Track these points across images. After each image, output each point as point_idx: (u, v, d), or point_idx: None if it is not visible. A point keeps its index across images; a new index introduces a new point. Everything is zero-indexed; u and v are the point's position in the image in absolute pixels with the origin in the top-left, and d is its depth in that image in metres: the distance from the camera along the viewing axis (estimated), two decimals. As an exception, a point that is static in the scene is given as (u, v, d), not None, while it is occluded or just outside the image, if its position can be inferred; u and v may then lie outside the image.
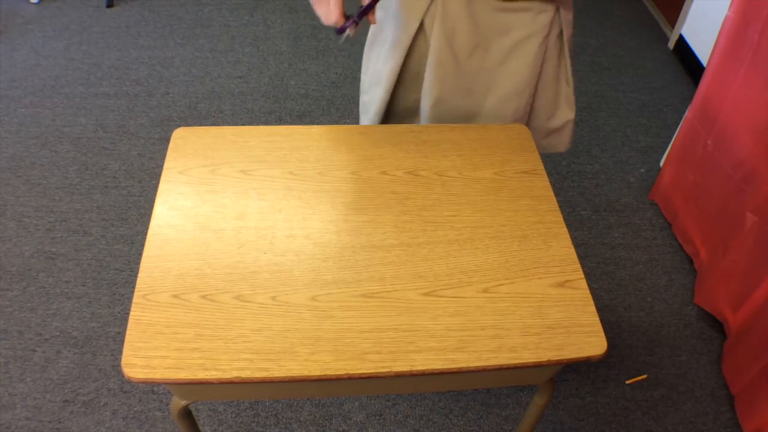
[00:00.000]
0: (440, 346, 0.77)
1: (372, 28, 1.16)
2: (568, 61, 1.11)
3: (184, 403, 0.89)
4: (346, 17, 0.90)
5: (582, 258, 1.80)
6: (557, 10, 1.03)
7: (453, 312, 0.80)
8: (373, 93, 1.16)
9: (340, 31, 0.91)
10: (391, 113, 1.17)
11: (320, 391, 0.96)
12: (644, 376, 1.56)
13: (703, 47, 2.41)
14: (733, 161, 1.56)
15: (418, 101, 1.13)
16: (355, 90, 2.34)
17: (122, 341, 0.76)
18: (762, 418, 1.37)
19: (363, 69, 1.21)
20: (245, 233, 0.88)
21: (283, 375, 0.73)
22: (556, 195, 0.98)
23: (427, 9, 1.02)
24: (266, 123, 2.21)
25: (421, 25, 1.04)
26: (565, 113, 1.16)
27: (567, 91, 1.14)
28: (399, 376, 0.75)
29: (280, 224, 0.90)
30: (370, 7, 0.91)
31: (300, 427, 1.43)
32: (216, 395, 1.04)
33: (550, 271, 0.86)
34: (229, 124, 2.18)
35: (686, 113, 1.78)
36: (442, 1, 1.01)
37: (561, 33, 1.07)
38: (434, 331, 0.78)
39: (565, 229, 0.92)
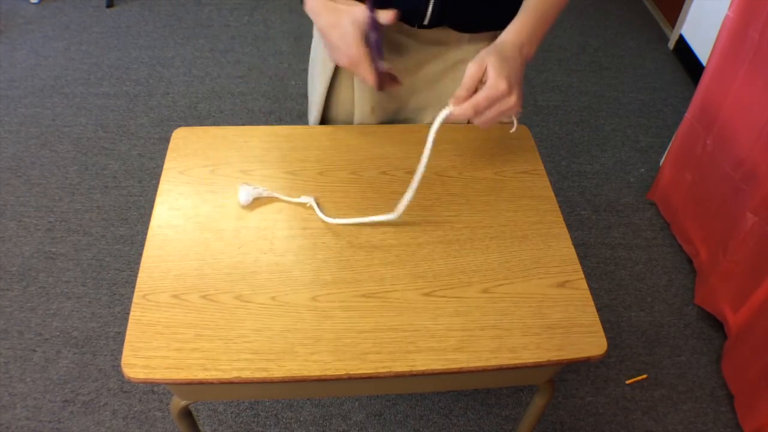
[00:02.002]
0: (440, 346, 0.77)
1: (312, 49, 1.13)
2: None
3: (184, 403, 0.89)
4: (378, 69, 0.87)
5: (582, 258, 1.80)
6: (492, 35, 0.99)
7: (453, 312, 0.80)
8: (311, 112, 1.14)
9: (380, 87, 0.89)
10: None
11: (320, 391, 0.96)
12: (644, 376, 1.56)
13: (703, 47, 2.41)
14: (732, 161, 1.56)
15: (352, 114, 1.10)
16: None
17: (122, 341, 0.76)
18: (762, 418, 1.37)
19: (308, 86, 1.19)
20: (245, 233, 0.88)
21: (283, 375, 0.73)
22: (556, 195, 0.98)
23: None
24: (266, 123, 2.21)
25: None
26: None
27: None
28: (399, 376, 0.75)
29: (280, 224, 0.90)
30: (377, 40, 0.86)
31: (300, 427, 1.43)
32: (216, 395, 1.04)
33: (550, 271, 0.86)
34: (229, 124, 2.18)
35: (686, 113, 1.78)
36: None
37: None
38: (434, 331, 0.78)
39: (565, 229, 0.92)
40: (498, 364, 0.76)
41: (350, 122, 1.11)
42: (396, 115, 1.11)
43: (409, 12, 0.92)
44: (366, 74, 0.87)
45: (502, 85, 0.79)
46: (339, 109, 1.09)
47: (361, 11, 0.84)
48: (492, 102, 0.81)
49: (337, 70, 1.04)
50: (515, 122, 0.92)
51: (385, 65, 0.89)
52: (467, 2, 0.94)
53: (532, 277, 0.85)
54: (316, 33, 1.08)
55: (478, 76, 0.81)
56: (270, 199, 0.93)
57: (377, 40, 0.86)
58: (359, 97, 1.05)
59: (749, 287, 1.47)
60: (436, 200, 0.95)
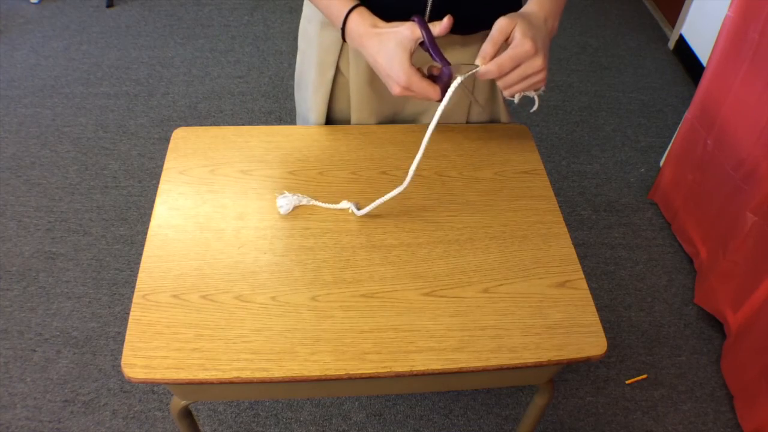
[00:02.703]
0: (440, 346, 0.77)
1: (296, 68, 1.12)
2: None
3: (184, 403, 0.89)
4: (435, 77, 0.82)
5: (582, 258, 1.80)
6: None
7: (453, 312, 0.80)
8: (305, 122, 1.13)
9: (443, 95, 0.81)
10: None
11: (320, 391, 0.96)
12: (644, 376, 1.56)
13: (703, 47, 2.41)
14: (733, 161, 1.56)
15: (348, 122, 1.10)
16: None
17: (122, 341, 0.76)
18: (762, 418, 1.37)
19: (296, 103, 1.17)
20: (245, 233, 0.88)
21: (283, 375, 0.73)
22: (556, 195, 0.98)
23: (340, 53, 0.99)
24: (266, 123, 2.21)
25: (338, 69, 1.01)
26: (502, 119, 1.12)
27: (502, 109, 1.10)
28: (399, 376, 0.75)
29: (280, 224, 0.90)
30: (437, 51, 0.81)
31: (300, 427, 1.43)
32: (216, 395, 1.04)
33: (550, 271, 0.86)
34: (229, 124, 2.18)
35: (686, 113, 1.78)
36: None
37: None
38: (434, 331, 0.78)
39: (565, 229, 0.92)
40: (498, 364, 0.76)
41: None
42: (393, 119, 1.11)
43: (406, 8, 0.90)
44: (424, 93, 0.82)
45: (528, 45, 0.77)
46: (336, 117, 1.10)
47: (408, 30, 0.80)
48: (517, 61, 0.78)
49: (334, 80, 1.03)
50: (537, 100, 0.88)
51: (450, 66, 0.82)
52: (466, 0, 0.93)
53: (532, 277, 0.85)
54: (302, 43, 1.07)
55: (508, 30, 0.78)
56: (270, 199, 0.93)
57: (437, 52, 0.80)
58: (357, 102, 1.04)
59: (749, 287, 1.47)
60: (436, 200, 0.95)
